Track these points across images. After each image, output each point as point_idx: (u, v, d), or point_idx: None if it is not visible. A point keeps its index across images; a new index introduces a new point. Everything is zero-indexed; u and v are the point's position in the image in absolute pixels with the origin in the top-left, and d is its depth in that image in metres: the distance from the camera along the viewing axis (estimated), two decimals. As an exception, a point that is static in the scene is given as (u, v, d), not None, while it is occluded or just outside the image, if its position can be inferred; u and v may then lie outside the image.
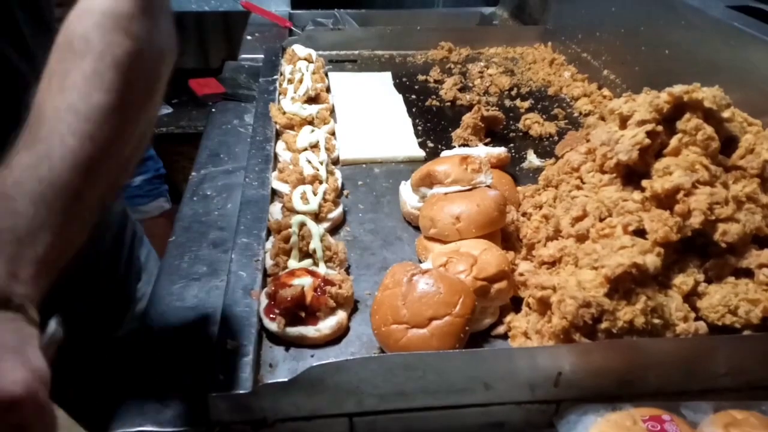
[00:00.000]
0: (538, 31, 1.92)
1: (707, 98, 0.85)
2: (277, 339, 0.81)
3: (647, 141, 0.84)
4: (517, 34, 1.93)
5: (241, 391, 0.67)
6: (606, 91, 1.53)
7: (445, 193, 0.96)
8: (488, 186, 0.97)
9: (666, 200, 0.81)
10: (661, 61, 1.33)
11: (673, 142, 0.85)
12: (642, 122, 0.85)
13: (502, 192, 0.97)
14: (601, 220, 0.85)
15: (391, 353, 0.76)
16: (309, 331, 0.79)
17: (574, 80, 1.63)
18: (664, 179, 0.81)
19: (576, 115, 1.48)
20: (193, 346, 0.80)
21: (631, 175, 0.89)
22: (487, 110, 1.33)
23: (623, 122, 0.89)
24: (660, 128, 0.85)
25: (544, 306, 0.78)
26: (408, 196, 1.05)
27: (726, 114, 0.87)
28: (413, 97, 1.56)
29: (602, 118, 1.19)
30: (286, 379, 0.66)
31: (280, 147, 1.21)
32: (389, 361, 0.69)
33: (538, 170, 1.18)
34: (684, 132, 0.84)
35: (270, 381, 0.71)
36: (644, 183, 0.84)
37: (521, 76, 1.71)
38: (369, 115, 1.41)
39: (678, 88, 0.85)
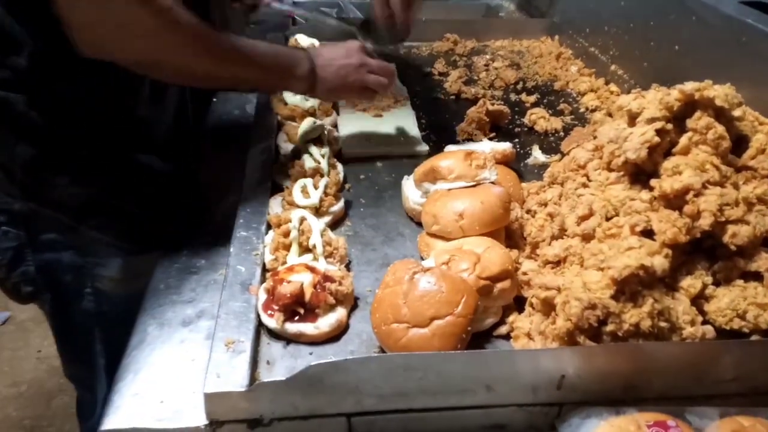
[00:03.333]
0: (545, 24, 1.89)
1: (719, 96, 0.83)
2: (276, 334, 0.79)
3: (657, 139, 0.82)
4: (523, 27, 1.91)
5: (237, 389, 0.66)
6: (613, 87, 1.50)
7: (449, 189, 0.95)
8: (493, 182, 0.95)
9: (675, 200, 0.79)
10: (671, 57, 1.31)
11: (683, 140, 0.83)
12: (652, 120, 0.83)
13: (507, 188, 0.96)
14: (608, 219, 0.83)
15: (391, 353, 0.74)
16: (308, 328, 0.78)
17: (580, 75, 1.60)
18: (674, 179, 0.79)
19: (582, 110, 1.46)
20: (189, 341, 0.79)
21: (639, 173, 0.87)
22: (492, 104, 1.31)
23: (632, 119, 0.87)
24: (670, 126, 0.83)
25: (548, 307, 0.76)
26: (411, 192, 1.03)
27: (737, 113, 0.85)
28: (417, 89, 1.54)
29: (609, 114, 1.18)
30: (283, 378, 0.65)
31: (282, 139, 1.19)
32: (389, 361, 0.68)
33: (544, 166, 1.15)
34: (694, 131, 0.82)
35: (267, 379, 0.70)
36: (653, 182, 0.82)
37: (527, 70, 1.68)
38: (372, 107, 1.38)
39: (689, 86, 0.83)
